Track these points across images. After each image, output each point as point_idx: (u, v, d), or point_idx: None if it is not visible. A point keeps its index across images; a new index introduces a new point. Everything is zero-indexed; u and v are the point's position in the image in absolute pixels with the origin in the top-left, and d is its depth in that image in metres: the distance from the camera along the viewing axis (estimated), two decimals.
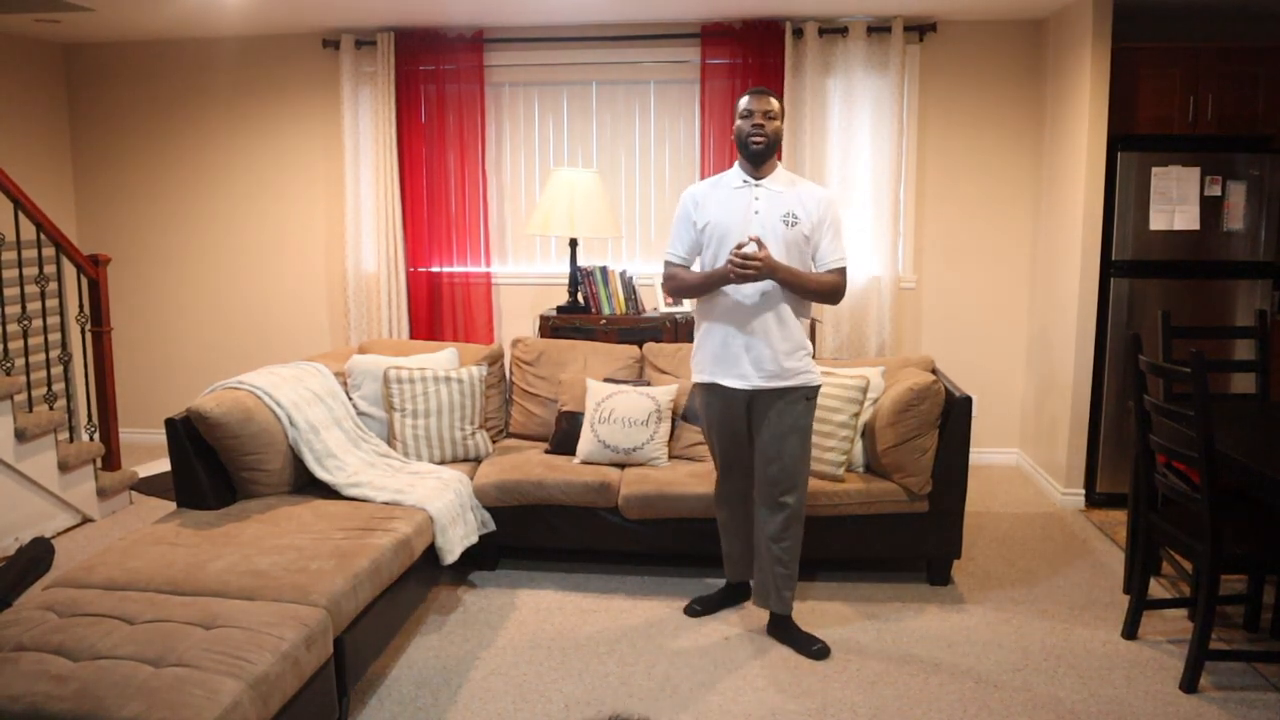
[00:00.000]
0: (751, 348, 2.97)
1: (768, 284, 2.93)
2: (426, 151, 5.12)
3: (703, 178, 4.95)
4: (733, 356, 3.00)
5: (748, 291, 2.95)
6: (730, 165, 3.17)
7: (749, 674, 2.94)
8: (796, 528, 3.06)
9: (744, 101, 3.04)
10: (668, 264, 3.13)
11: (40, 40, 5.26)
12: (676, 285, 3.12)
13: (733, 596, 3.41)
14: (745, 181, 3.04)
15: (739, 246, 2.88)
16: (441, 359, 3.97)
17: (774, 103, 3.02)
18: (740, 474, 3.17)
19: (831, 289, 3.02)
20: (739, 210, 3.00)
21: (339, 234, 5.36)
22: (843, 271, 3.03)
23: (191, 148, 5.43)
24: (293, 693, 2.23)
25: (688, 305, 4.80)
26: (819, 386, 3.06)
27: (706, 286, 3.00)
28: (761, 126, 2.97)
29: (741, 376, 2.99)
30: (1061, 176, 4.59)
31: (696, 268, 3.13)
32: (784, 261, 2.92)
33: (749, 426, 3.07)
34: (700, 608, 3.35)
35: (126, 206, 5.53)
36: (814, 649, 3.05)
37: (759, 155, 2.99)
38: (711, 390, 3.08)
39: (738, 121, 3.03)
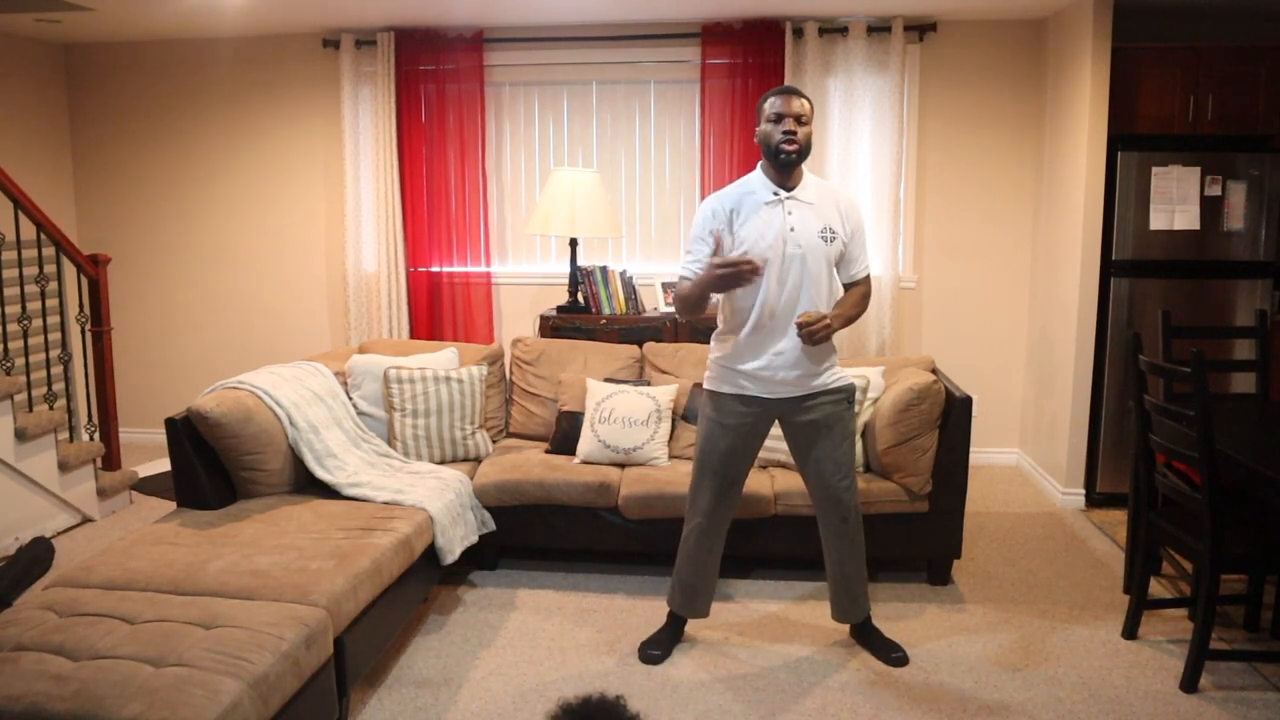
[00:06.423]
0: (783, 364, 2.80)
1: (795, 301, 2.77)
2: (426, 151, 5.12)
3: (702, 178, 4.94)
4: (763, 371, 2.81)
5: (774, 308, 2.77)
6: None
7: (749, 673, 2.94)
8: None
9: (771, 103, 2.76)
10: (682, 279, 2.81)
11: (40, 40, 5.26)
12: (680, 299, 2.81)
13: (679, 631, 3.14)
14: (775, 195, 2.78)
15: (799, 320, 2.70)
16: (442, 359, 3.97)
17: (805, 104, 2.75)
18: (735, 494, 2.97)
19: (865, 302, 2.92)
20: (773, 229, 2.75)
21: (339, 234, 5.36)
22: (869, 277, 2.95)
23: (191, 148, 5.43)
24: (293, 693, 2.23)
25: None
26: (854, 387, 2.95)
27: (702, 294, 2.72)
28: (793, 134, 2.71)
29: (774, 386, 2.83)
30: (1061, 176, 4.59)
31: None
32: (819, 275, 2.78)
33: (788, 441, 2.95)
34: (659, 652, 3.03)
35: (126, 206, 5.53)
36: (893, 656, 2.99)
37: (791, 165, 2.76)
38: (735, 399, 2.86)
39: (764, 125, 2.76)
